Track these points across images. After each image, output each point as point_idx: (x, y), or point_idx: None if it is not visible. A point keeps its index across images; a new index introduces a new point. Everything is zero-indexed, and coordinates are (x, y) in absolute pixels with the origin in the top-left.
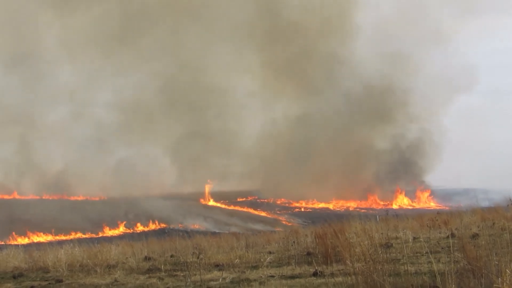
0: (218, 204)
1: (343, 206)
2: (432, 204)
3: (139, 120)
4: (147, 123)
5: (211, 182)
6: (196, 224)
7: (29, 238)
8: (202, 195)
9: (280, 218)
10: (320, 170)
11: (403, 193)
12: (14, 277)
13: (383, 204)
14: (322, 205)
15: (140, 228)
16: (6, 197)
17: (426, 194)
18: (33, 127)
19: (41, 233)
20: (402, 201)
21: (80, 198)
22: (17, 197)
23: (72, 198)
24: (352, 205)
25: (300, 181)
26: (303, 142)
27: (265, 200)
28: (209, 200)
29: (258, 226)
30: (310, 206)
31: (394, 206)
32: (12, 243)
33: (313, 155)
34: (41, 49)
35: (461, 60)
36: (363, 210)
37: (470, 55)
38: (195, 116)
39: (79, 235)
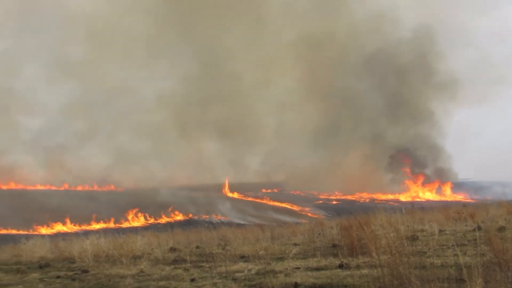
0: (242, 196)
1: (368, 198)
2: (459, 197)
3: (161, 111)
4: (169, 114)
5: (232, 173)
6: (221, 215)
7: (53, 228)
8: (224, 186)
9: (305, 210)
10: (344, 161)
11: (432, 185)
12: (40, 267)
13: (409, 196)
14: (347, 197)
15: (165, 219)
16: (30, 187)
17: (449, 186)
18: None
19: (67, 223)
20: (430, 194)
21: (106, 188)
22: (41, 187)
23: (98, 189)
24: (378, 196)
25: (325, 173)
26: (327, 133)
27: (290, 192)
28: (232, 191)
29: (283, 218)
30: (335, 198)
31: (419, 199)
32: (38, 233)
33: (337, 146)
34: None
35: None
36: (389, 202)
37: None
38: (216, 106)
39: (104, 225)
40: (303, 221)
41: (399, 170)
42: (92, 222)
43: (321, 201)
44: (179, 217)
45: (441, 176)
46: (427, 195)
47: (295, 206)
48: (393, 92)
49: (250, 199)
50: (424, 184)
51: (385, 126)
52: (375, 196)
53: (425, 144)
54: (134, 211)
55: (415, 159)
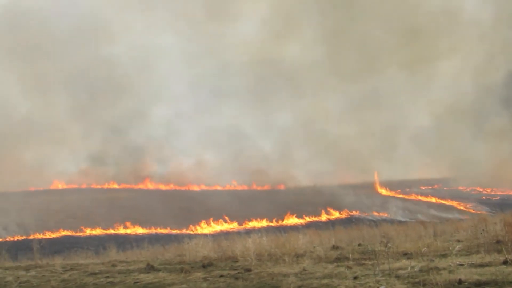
0: (400, 193)
1: None
2: None
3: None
4: None
5: (382, 170)
6: (381, 213)
7: (215, 227)
8: (376, 183)
9: (467, 206)
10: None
11: None
12: (203, 266)
13: None
14: (510, 192)
15: (325, 216)
16: (193, 188)
17: None
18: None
19: (228, 223)
20: None
21: (266, 187)
22: (204, 188)
23: (258, 188)
24: None
25: (487, 168)
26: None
27: (451, 188)
28: (388, 188)
29: (445, 214)
30: (498, 193)
31: None
32: (201, 233)
33: (497, 136)
34: None
35: None
36: None
37: None
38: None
39: (265, 224)
40: (466, 217)
41: None
42: (253, 221)
43: (483, 197)
44: (340, 214)
45: None
46: None
47: (456, 202)
48: None
49: (409, 196)
50: None
51: None
52: None
53: None
54: (294, 209)
55: None
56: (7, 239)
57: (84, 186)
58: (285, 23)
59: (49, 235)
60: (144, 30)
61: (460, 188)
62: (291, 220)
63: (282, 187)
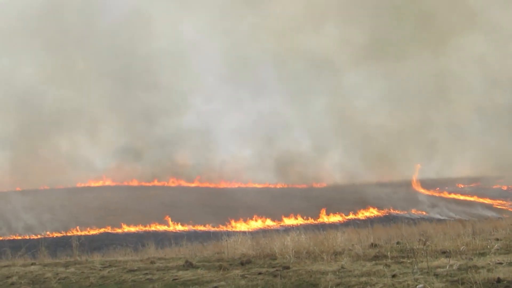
0: (437, 191)
1: None
2: None
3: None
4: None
5: (419, 168)
6: (420, 211)
7: (254, 224)
8: (414, 181)
9: (506, 205)
10: None
11: None
12: (241, 264)
13: None
14: None
15: (364, 214)
16: (231, 185)
17: None
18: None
19: (267, 220)
20: None
21: (301, 185)
22: (240, 185)
23: (295, 185)
24: None
25: None
26: None
27: (489, 187)
28: (424, 187)
29: (483, 213)
30: None
31: None
32: (239, 230)
33: None
34: None
35: None
36: None
37: None
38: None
39: (304, 221)
40: (505, 216)
41: None
42: (291, 218)
43: None
44: (378, 212)
45: None
46: None
47: (495, 200)
48: None
49: (448, 194)
50: None
51: None
52: None
53: None
54: (331, 207)
55: None
56: (46, 236)
57: (119, 183)
58: (316, 14)
59: (87, 231)
60: (180, 23)
61: (499, 186)
62: (329, 218)
63: (318, 184)
